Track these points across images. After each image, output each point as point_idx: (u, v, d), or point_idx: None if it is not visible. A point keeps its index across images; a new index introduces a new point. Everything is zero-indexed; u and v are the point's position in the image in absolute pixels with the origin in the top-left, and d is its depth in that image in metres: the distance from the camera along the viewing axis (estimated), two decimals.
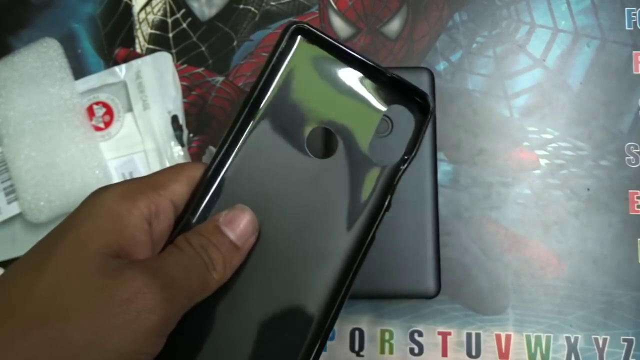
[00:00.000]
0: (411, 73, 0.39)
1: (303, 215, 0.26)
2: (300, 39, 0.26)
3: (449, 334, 0.38)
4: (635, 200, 0.39)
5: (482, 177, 0.40)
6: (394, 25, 0.42)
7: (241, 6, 0.43)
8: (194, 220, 0.25)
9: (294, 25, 0.26)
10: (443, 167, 0.40)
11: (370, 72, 0.27)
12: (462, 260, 0.39)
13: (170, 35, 0.43)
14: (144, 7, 0.43)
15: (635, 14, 0.41)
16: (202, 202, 0.25)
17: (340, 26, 0.42)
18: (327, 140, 0.28)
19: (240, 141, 0.26)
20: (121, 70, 0.41)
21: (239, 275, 0.25)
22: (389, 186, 0.26)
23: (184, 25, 0.43)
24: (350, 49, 0.26)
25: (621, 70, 0.41)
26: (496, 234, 0.39)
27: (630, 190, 0.39)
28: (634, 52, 0.41)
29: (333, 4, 0.42)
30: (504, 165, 0.40)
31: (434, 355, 0.38)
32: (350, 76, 0.26)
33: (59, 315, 0.20)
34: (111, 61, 0.42)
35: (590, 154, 0.40)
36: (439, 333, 0.38)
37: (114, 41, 0.42)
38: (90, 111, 0.41)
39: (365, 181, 0.26)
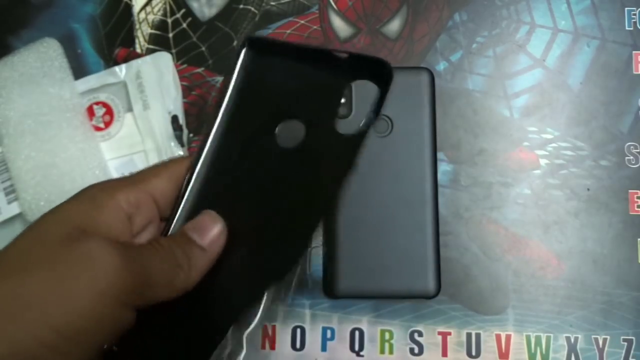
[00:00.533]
0: (411, 73, 0.39)
1: (279, 203, 0.28)
2: (254, 49, 0.29)
3: (449, 334, 0.38)
4: (635, 200, 0.39)
5: (482, 177, 0.40)
6: (394, 25, 0.42)
7: (241, 6, 0.43)
8: (174, 221, 0.27)
9: (245, 40, 0.29)
10: (443, 167, 0.40)
11: (325, 57, 0.29)
12: (462, 260, 0.39)
13: (170, 35, 0.43)
14: (144, 7, 0.43)
15: (635, 14, 0.41)
16: (183, 204, 0.27)
17: (340, 26, 0.42)
18: (296, 130, 0.30)
19: (216, 143, 0.28)
20: (121, 70, 0.41)
21: (213, 271, 0.26)
22: (356, 146, 0.29)
23: (184, 25, 0.43)
24: (297, 43, 0.29)
25: (621, 70, 0.41)
26: (496, 234, 0.39)
27: (630, 190, 0.39)
28: (634, 52, 0.41)
29: (333, 4, 0.42)
30: (504, 165, 0.40)
31: (434, 355, 0.38)
32: (305, 67, 0.29)
33: (20, 268, 0.21)
34: (111, 61, 0.42)
35: (590, 154, 0.40)
36: (439, 333, 0.38)
37: (114, 41, 0.42)
38: (90, 111, 0.41)
39: (335, 153, 0.28)
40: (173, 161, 0.28)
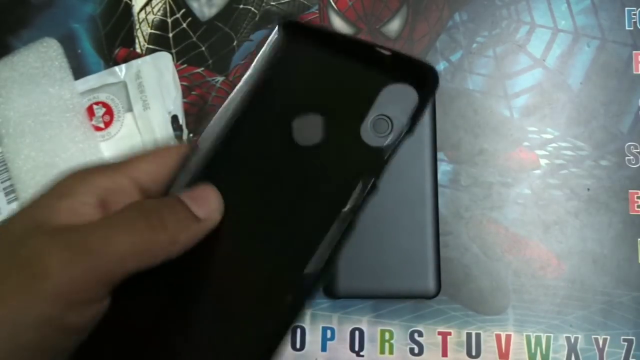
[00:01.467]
0: None
1: (288, 204, 0.25)
2: (289, 32, 0.26)
3: (449, 334, 0.38)
4: (635, 200, 0.39)
5: (482, 177, 0.40)
6: (394, 25, 0.42)
7: (241, 6, 0.43)
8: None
9: (280, 20, 0.26)
10: (443, 167, 0.40)
11: (364, 52, 0.25)
12: (462, 260, 0.39)
13: (170, 35, 0.43)
14: (144, 7, 0.43)
15: (635, 14, 0.41)
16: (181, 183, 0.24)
17: (340, 26, 0.42)
18: (316, 127, 0.26)
19: (228, 129, 0.25)
20: (121, 70, 0.41)
21: (213, 262, 0.24)
22: (377, 167, 0.25)
23: (184, 25, 0.43)
24: (340, 33, 0.26)
25: (621, 70, 0.41)
26: (496, 234, 0.39)
27: (630, 190, 0.39)
28: (634, 52, 0.41)
29: (333, 4, 0.42)
30: (504, 165, 0.40)
31: (434, 355, 0.38)
32: (339, 59, 0.26)
33: None
34: (111, 61, 0.42)
35: (590, 154, 0.40)
36: (439, 333, 0.38)
37: (114, 41, 0.42)
38: (90, 111, 0.41)
39: (354, 165, 0.25)
40: (167, 148, 0.25)
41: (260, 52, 0.26)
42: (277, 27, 0.26)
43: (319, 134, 0.25)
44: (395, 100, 0.26)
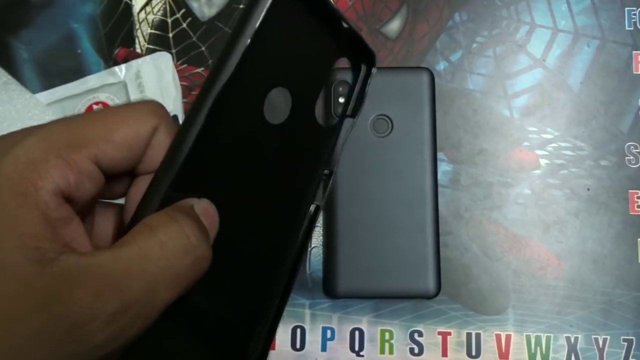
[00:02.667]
0: (411, 73, 0.39)
1: (264, 185, 0.24)
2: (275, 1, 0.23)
3: (449, 334, 0.38)
4: (635, 200, 0.39)
5: (482, 177, 0.40)
6: (394, 25, 0.42)
7: (241, 6, 0.43)
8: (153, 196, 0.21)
9: None
10: (443, 167, 0.40)
11: (330, 22, 0.25)
12: (462, 260, 0.39)
13: (170, 35, 0.42)
14: (144, 7, 0.43)
15: (635, 14, 0.41)
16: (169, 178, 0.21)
17: None
18: (283, 102, 0.25)
19: (207, 109, 0.22)
20: (121, 70, 0.41)
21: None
22: (332, 146, 0.25)
23: (184, 25, 0.43)
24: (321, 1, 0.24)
25: (621, 70, 0.41)
26: (496, 234, 0.39)
27: (630, 190, 0.39)
28: (634, 52, 0.41)
29: (333, 4, 0.42)
30: (504, 165, 0.40)
31: (434, 355, 0.38)
32: (309, 28, 0.24)
33: None
34: (111, 61, 0.42)
35: (590, 154, 0.40)
36: (439, 333, 0.38)
37: (114, 41, 0.42)
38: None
39: (313, 144, 0.25)
40: (129, 123, 0.19)
41: (244, 18, 0.22)
42: None
43: (286, 112, 0.24)
44: (344, 79, 0.27)
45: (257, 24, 0.22)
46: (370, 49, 0.26)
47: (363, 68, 0.27)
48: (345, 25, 0.25)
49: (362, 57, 0.26)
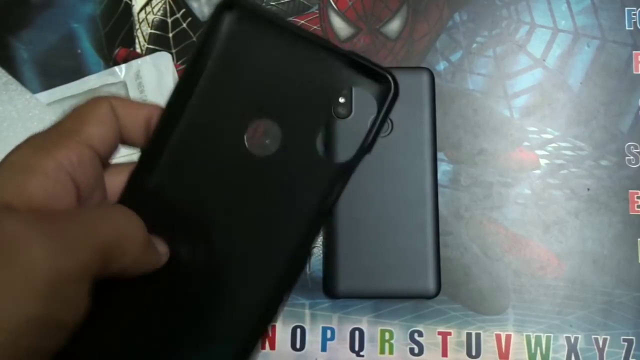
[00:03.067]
0: (411, 73, 0.39)
1: (242, 220, 0.22)
2: (235, 15, 0.22)
3: (449, 334, 0.38)
4: (635, 200, 0.39)
5: (482, 177, 0.40)
6: (394, 25, 0.42)
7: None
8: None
9: (224, 0, 0.21)
10: (443, 167, 0.40)
11: (320, 52, 0.22)
12: (462, 260, 0.39)
13: (170, 35, 0.43)
14: (144, 7, 0.43)
15: (635, 14, 0.41)
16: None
17: (340, 26, 0.42)
18: (269, 134, 0.23)
19: (175, 131, 0.22)
20: (121, 70, 0.41)
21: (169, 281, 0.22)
22: (336, 185, 0.23)
23: (184, 25, 0.43)
24: (295, 27, 0.22)
25: (621, 70, 0.41)
26: (496, 234, 0.39)
27: (630, 190, 0.39)
28: (634, 52, 0.41)
29: (333, 4, 0.42)
30: (504, 165, 0.40)
31: (434, 355, 0.38)
32: (296, 58, 0.22)
33: None
34: (111, 61, 0.42)
35: (590, 154, 0.40)
36: (439, 333, 0.38)
37: (114, 41, 0.42)
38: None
39: (311, 181, 0.22)
40: (91, 102, 0.21)
41: (205, 43, 0.22)
42: (224, 8, 0.21)
43: (275, 144, 0.22)
44: (359, 93, 0.24)
45: (212, 41, 0.21)
46: (382, 71, 0.23)
47: (381, 96, 0.23)
48: (340, 52, 0.22)
49: (377, 82, 0.23)
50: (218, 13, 0.21)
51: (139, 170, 0.22)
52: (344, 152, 0.23)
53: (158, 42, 0.42)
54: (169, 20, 0.43)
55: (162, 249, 0.22)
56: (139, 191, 0.22)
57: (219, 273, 0.22)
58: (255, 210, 0.22)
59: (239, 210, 0.22)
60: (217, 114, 0.22)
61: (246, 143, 0.22)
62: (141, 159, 0.22)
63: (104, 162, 0.21)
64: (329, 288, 0.37)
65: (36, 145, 0.19)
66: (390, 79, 0.23)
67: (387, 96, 0.23)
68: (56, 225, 0.18)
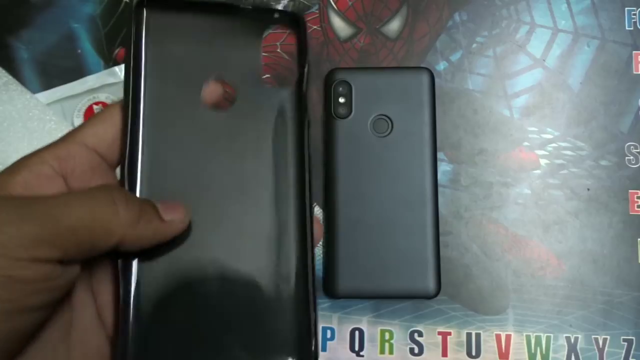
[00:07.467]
0: (411, 73, 0.39)
1: (231, 174, 0.25)
2: (150, 8, 0.26)
3: (449, 334, 0.38)
4: (635, 200, 0.39)
5: (482, 177, 0.40)
6: (394, 25, 0.42)
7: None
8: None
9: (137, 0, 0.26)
10: (443, 167, 0.40)
11: (230, 12, 0.27)
12: (462, 260, 0.39)
13: None
14: None
15: (635, 14, 0.41)
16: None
17: (340, 26, 0.42)
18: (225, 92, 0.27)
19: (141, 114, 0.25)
20: (121, 70, 0.41)
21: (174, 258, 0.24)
22: (300, 103, 0.26)
23: None
24: (204, 2, 0.27)
25: (621, 70, 0.41)
26: (496, 234, 0.39)
27: (630, 190, 0.39)
28: (634, 52, 0.41)
29: (333, 4, 0.42)
30: (504, 165, 0.40)
31: (434, 355, 0.38)
32: (215, 25, 0.27)
33: None
34: (111, 61, 0.42)
35: (590, 154, 0.40)
36: (439, 333, 0.38)
37: (114, 41, 0.42)
38: (90, 111, 0.41)
39: (276, 112, 0.26)
40: (112, 107, 0.24)
41: (133, 39, 0.25)
42: (142, 6, 0.25)
43: (231, 98, 0.26)
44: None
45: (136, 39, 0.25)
46: (284, 10, 0.27)
47: (293, 27, 0.28)
48: (246, 9, 0.27)
49: (286, 19, 0.28)
50: (136, 11, 0.25)
51: (131, 150, 0.25)
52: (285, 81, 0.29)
53: None
54: None
55: (177, 215, 0.23)
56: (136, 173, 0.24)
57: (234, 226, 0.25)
58: (240, 157, 0.25)
59: (224, 163, 0.25)
60: (172, 90, 0.25)
61: (208, 108, 0.25)
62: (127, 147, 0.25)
63: (109, 156, 0.24)
64: (329, 288, 0.37)
65: (37, 149, 0.22)
66: (293, 13, 0.28)
67: (298, 27, 0.27)
68: (25, 202, 0.20)
